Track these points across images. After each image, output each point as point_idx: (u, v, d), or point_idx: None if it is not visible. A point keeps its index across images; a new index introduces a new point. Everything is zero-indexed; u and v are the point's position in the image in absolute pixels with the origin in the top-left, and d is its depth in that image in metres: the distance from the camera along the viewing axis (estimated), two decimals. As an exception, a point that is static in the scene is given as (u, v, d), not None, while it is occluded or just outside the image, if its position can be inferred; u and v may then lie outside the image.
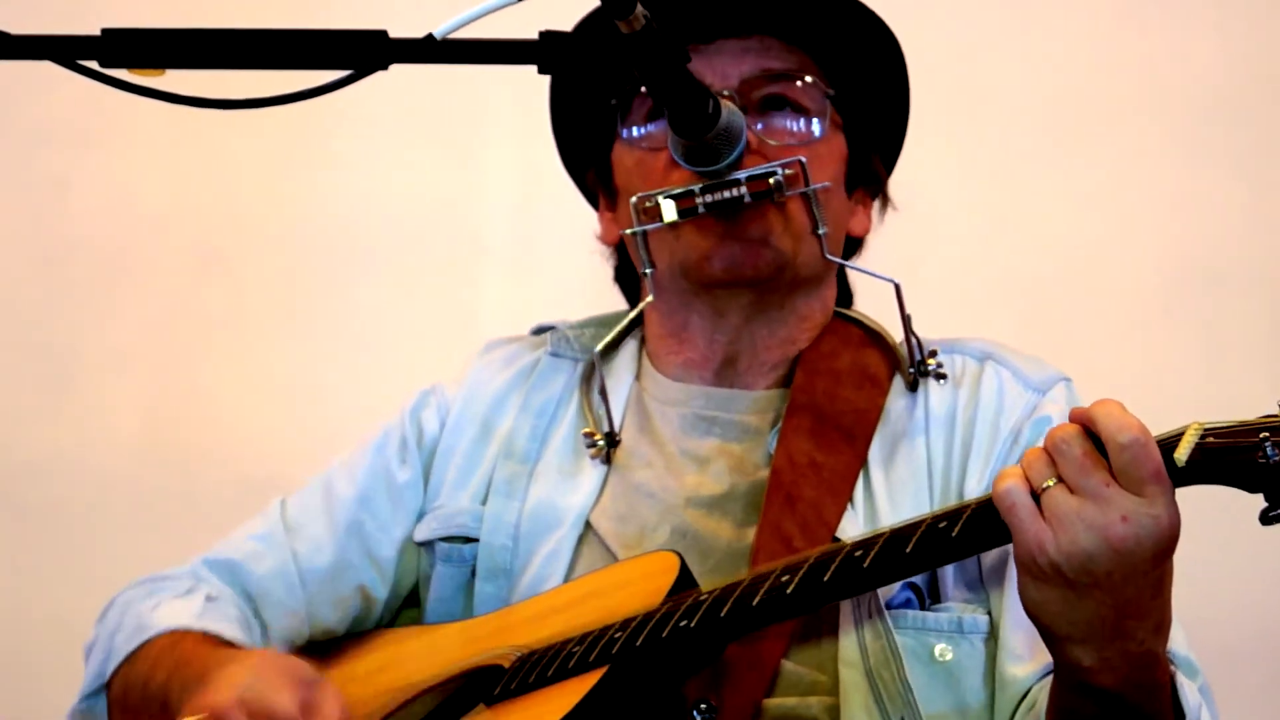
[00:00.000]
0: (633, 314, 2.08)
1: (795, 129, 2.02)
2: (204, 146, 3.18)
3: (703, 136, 1.87)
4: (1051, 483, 1.60)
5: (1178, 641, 1.82)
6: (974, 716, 1.83)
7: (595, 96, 2.09)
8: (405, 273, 3.21)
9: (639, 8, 1.64)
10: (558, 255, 3.16)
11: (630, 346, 2.14)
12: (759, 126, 1.99)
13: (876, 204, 2.15)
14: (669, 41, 1.70)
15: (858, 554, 1.70)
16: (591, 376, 2.08)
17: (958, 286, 2.96)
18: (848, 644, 1.83)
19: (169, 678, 1.93)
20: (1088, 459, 1.58)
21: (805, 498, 1.91)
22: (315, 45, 1.61)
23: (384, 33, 1.61)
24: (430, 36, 1.61)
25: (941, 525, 1.67)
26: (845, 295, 2.16)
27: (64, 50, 1.57)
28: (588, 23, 1.93)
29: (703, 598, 1.76)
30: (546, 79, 1.66)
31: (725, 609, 1.73)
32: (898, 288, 1.97)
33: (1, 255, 3.23)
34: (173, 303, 3.24)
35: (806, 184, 1.95)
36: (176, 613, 2.02)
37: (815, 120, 2.03)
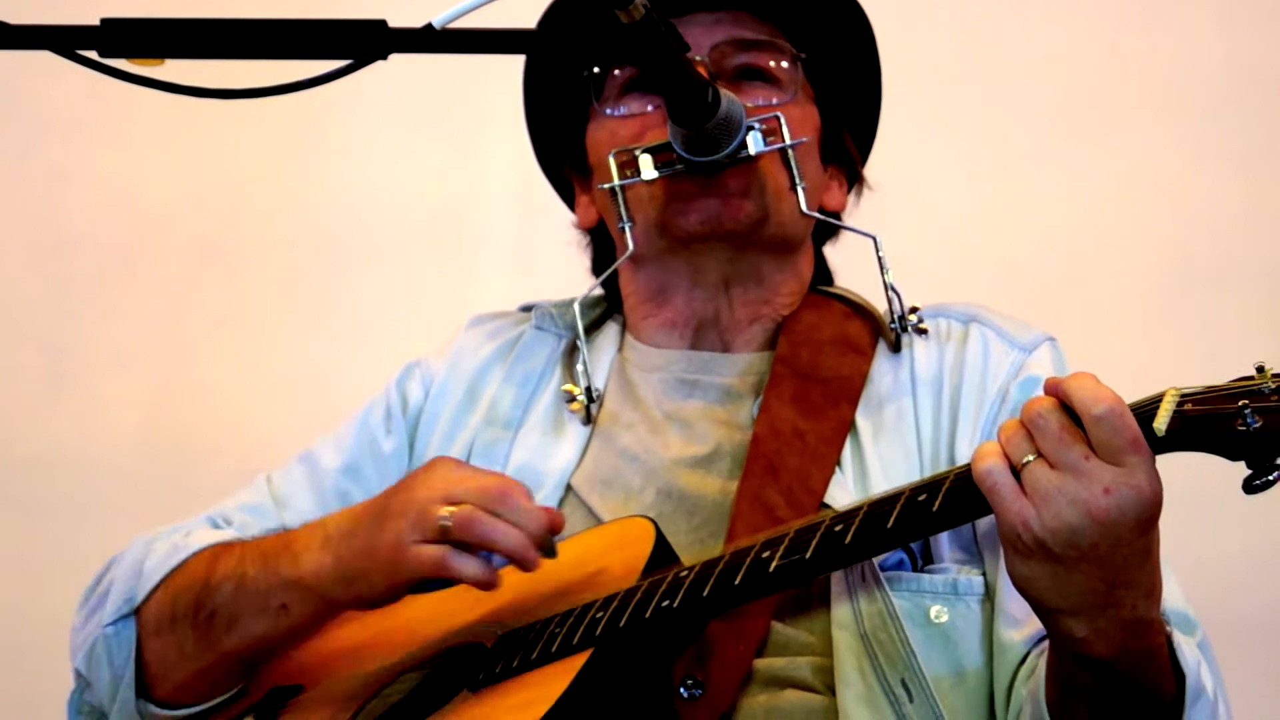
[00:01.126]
0: (613, 267, 2.07)
1: (768, 94, 2.02)
2: (204, 138, 3.18)
3: (702, 126, 1.87)
4: (1031, 458, 1.58)
5: (1174, 597, 1.82)
6: (971, 679, 1.82)
7: (567, 80, 2.09)
8: (405, 265, 3.21)
9: (637, -2, 1.64)
10: (557, 247, 3.16)
11: (612, 326, 2.14)
12: (732, 90, 1.97)
13: (852, 194, 2.16)
14: (669, 31, 1.71)
15: (838, 529, 1.69)
16: (574, 350, 2.09)
17: (959, 281, 2.95)
18: (841, 607, 1.82)
19: (238, 562, 1.92)
20: (1065, 432, 1.57)
21: (789, 467, 1.90)
22: (314, 35, 1.61)
23: (383, 22, 1.61)
24: (429, 26, 1.61)
25: (921, 499, 1.66)
26: (824, 275, 2.16)
27: (63, 40, 1.57)
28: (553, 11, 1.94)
29: (684, 575, 1.75)
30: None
31: (708, 588, 1.73)
32: (876, 242, 1.97)
33: (2, 249, 3.23)
34: (172, 296, 3.24)
35: (784, 139, 1.96)
36: (213, 535, 2.03)
37: (788, 87, 2.03)
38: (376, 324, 3.20)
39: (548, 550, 1.78)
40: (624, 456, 2.00)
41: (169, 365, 3.23)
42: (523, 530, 1.76)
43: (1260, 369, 1.56)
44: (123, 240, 3.23)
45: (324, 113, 3.08)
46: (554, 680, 1.73)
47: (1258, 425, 1.53)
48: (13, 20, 1.57)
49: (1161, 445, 1.57)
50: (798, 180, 1.97)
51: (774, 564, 1.70)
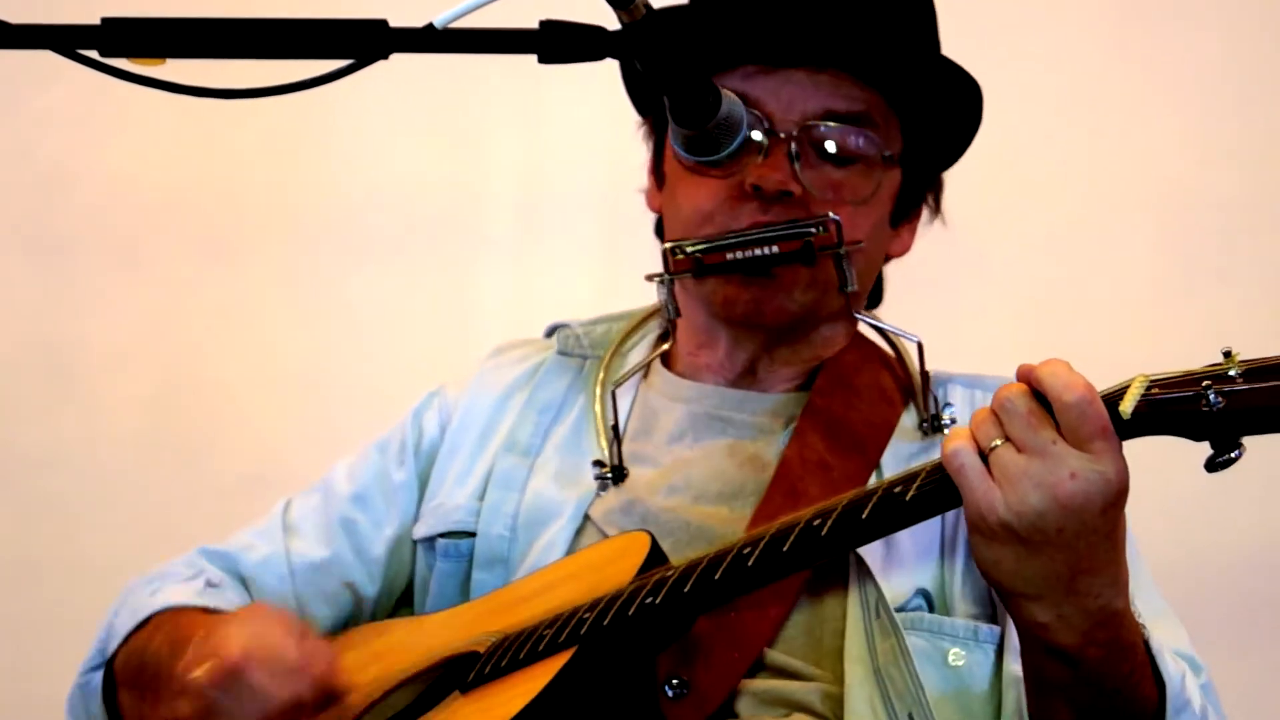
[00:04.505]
0: (651, 357, 2.11)
1: (846, 182, 1.99)
2: (205, 136, 3.18)
3: (703, 126, 1.86)
4: (999, 442, 1.59)
5: (1181, 641, 1.84)
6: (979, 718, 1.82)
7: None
8: (407, 264, 3.21)
9: (639, -2, 1.64)
10: (559, 245, 3.17)
11: (642, 344, 2.15)
12: (810, 174, 1.97)
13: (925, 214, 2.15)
14: (670, 30, 1.70)
15: (816, 523, 1.70)
16: (601, 395, 2.09)
17: (961, 281, 2.96)
18: (855, 641, 1.82)
19: (164, 642, 1.96)
20: (1033, 417, 1.58)
21: (810, 495, 1.90)
22: (316, 35, 1.60)
23: (384, 22, 1.61)
24: (431, 26, 1.60)
25: (896, 490, 1.67)
26: (875, 288, 2.16)
27: (64, 39, 1.57)
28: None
29: (669, 574, 1.76)
30: (549, 69, 1.66)
31: (689, 584, 1.74)
32: (920, 346, 1.99)
33: (4, 246, 3.23)
34: (174, 294, 3.24)
35: (839, 244, 1.95)
36: (177, 594, 2.06)
37: (872, 179, 2.00)
38: (379, 322, 3.20)
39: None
40: (645, 490, 2.00)
41: (171, 363, 3.24)
42: (262, 704, 1.78)
43: (1227, 354, 1.58)
44: (125, 238, 3.23)
45: (326, 111, 3.08)
46: (537, 677, 1.75)
47: (1221, 405, 1.55)
48: (14, 20, 1.56)
49: (1128, 429, 1.59)
50: (849, 284, 1.96)
51: (753, 559, 1.72)
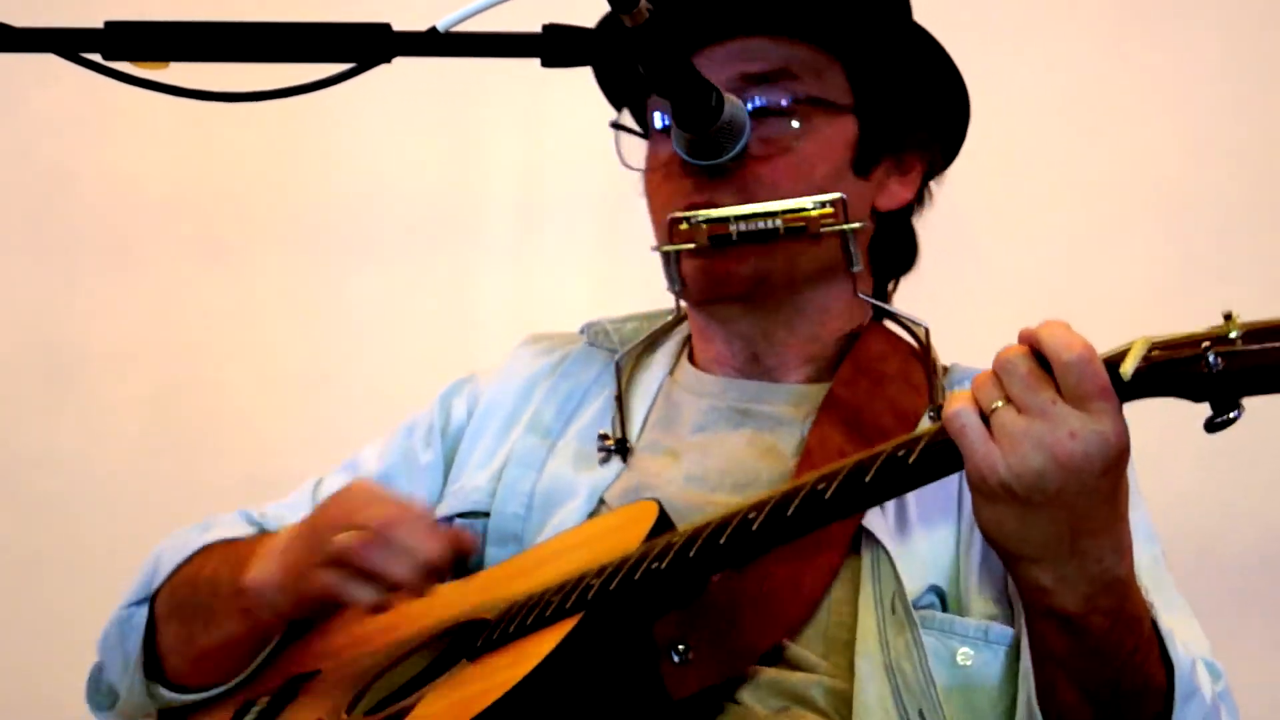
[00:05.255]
0: (661, 323, 2.11)
1: (781, 133, 1.98)
2: (207, 138, 3.18)
3: (706, 130, 1.86)
4: (1000, 404, 1.59)
5: (1198, 643, 1.82)
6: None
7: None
8: (408, 265, 3.21)
9: (642, 1, 1.64)
10: (559, 247, 3.17)
11: (671, 343, 2.14)
12: (755, 133, 1.96)
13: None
14: (672, 35, 1.70)
15: (820, 486, 1.69)
16: (622, 376, 2.09)
17: (963, 282, 2.96)
18: (867, 638, 1.81)
19: (221, 565, 2.01)
20: (1032, 377, 1.58)
21: None
22: (318, 38, 1.61)
23: (387, 26, 1.61)
24: (433, 29, 1.61)
25: (900, 454, 1.66)
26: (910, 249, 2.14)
27: (67, 43, 1.57)
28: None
29: (674, 539, 1.76)
30: (552, 72, 1.66)
31: (694, 549, 1.73)
32: (926, 332, 1.98)
33: (4, 247, 3.24)
34: (175, 295, 3.24)
35: (845, 220, 1.94)
36: (227, 531, 2.10)
37: (798, 125, 1.99)
38: (380, 323, 3.20)
39: (441, 577, 1.86)
40: (661, 478, 1.99)
41: (171, 363, 3.24)
42: (413, 559, 1.83)
43: (1228, 316, 1.57)
44: (125, 239, 3.23)
45: (328, 114, 3.08)
46: (544, 642, 1.75)
47: (1220, 366, 1.54)
48: (17, 23, 1.57)
49: (1129, 391, 1.58)
50: (854, 263, 1.95)
51: (757, 523, 1.71)
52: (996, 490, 1.59)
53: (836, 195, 1.94)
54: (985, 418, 1.60)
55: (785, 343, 2.05)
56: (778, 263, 1.98)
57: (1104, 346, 1.62)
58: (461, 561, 1.96)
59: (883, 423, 1.96)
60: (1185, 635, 1.78)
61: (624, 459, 2.02)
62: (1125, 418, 1.59)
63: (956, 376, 2.02)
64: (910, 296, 2.13)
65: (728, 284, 1.98)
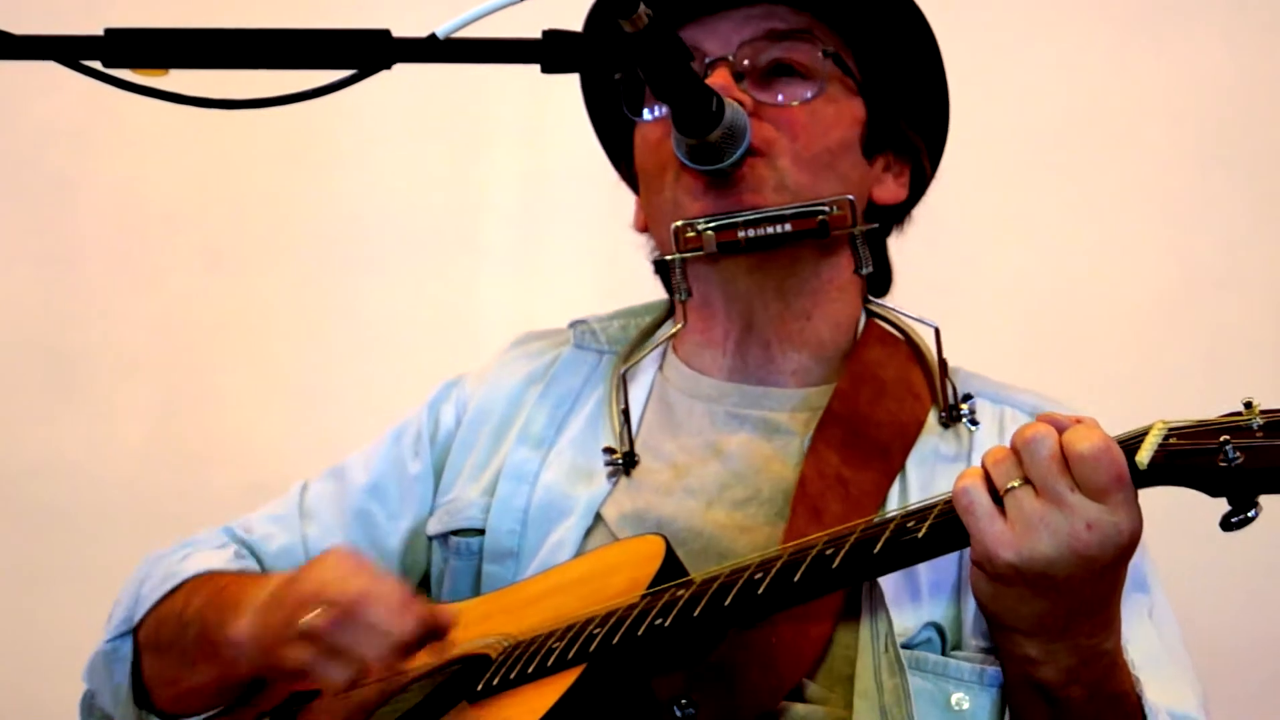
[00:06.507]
0: (661, 339, 2.09)
1: (790, 88, 1.98)
2: (209, 146, 3.19)
3: (706, 135, 1.86)
4: (1017, 483, 1.57)
5: (1187, 701, 1.80)
6: None
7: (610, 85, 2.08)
8: (411, 273, 3.21)
9: (642, 6, 1.64)
10: (560, 256, 3.17)
11: (657, 338, 2.12)
12: (756, 91, 1.96)
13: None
14: (672, 40, 1.70)
15: (828, 553, 1.68)
16: (615, 382, 2.07)
17: (966, 294, 2.96)
18: (864, 677, 1.80)
19: (206, 605, 1.97)
20: (1054, 462, 1.56)
21: (833, 511, 1.88)
22: (319, 45, 1.61)
23: (387, 32, 1.61)
24: (433, 36, 1.61)
25: (910, 525, 1.65)
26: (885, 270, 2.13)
27: (67, 50, 1.57)
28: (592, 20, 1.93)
29: (679, 594, 1.75)
30: (553, 78, 1.66)
31: (698, 608, 1.72)
32: (937, 331, 1.97)
33: (7, 256, 3.24)
34: (178, 305, 3.24)
35: (854, 224, 1.95)
36: (210, 559, 2.06)
37: (816, 81, 1.98)
38: (383, 333, 3.20)
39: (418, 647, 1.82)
40: (659, 492, 1.98)
41: (176, 374, 3.24)
42: (384, 640, 1.78)
43: (1248, 404, 1.53)
44: (129, 249, 3.23)
45: (329, 122, 3.08)
46: (545, 695, 1.74)
47: (1239, 461, 1.51)
48: (17, 31, 1.57)
49: (1144, 479, 1.56)
50: (864, 265, 1.96)
51: (763, 587, 1.70)
52: (1001, 571, 1.59)
53: (846, 197, 1.94)
54: (995, 494, 1.58)
55: (781, 317, 2.02)
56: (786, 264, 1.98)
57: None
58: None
59: (883, 434, 1.95)
60: (1169, 692, 1.76)
61: (628, 472, 2.00)
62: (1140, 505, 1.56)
63: (960, 381, 2.00)
64: (913, 300, 2.12)
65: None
